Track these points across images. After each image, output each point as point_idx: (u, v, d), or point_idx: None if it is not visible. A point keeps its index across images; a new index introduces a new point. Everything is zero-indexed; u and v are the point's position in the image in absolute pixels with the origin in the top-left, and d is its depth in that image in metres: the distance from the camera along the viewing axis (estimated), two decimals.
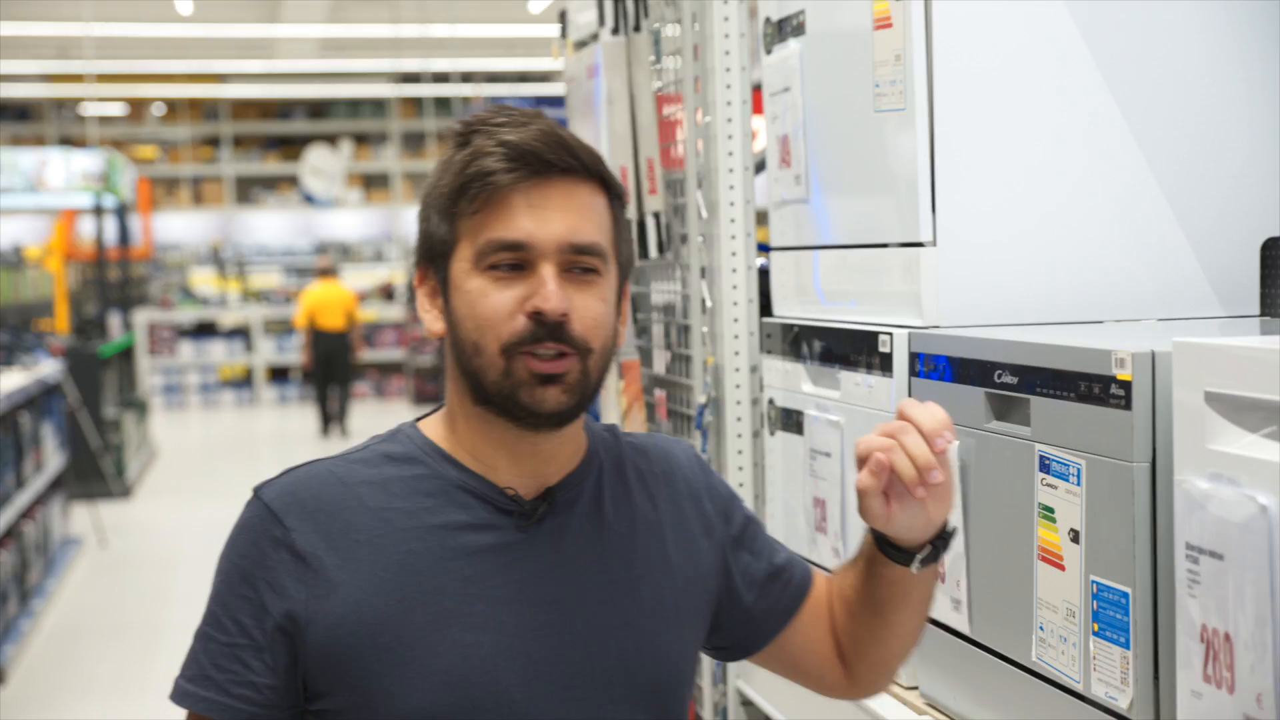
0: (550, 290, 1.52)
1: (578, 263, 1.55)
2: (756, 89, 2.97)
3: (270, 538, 1.57)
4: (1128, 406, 1.67)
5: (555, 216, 1.54)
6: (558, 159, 1.54)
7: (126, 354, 12.69)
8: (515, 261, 1.53)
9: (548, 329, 1.52)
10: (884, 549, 1.65)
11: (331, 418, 14.62)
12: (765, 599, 1.77)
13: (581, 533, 1.63)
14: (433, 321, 1.62)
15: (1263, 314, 2.29)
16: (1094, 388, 1.73)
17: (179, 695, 1.58)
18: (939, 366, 2.11)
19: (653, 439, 1.79)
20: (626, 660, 1.60)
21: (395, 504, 1.59)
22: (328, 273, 15.07)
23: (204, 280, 19.37)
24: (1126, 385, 1.67)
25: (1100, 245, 2.25)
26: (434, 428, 1.65)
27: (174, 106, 20.53)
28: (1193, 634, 1.54)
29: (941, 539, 1.65)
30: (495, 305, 1.53)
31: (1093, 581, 1.75)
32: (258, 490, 1.61)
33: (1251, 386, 1.46)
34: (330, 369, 14.48)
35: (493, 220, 1.53)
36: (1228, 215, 2.28)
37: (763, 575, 1.77)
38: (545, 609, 1.58)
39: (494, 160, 1.53)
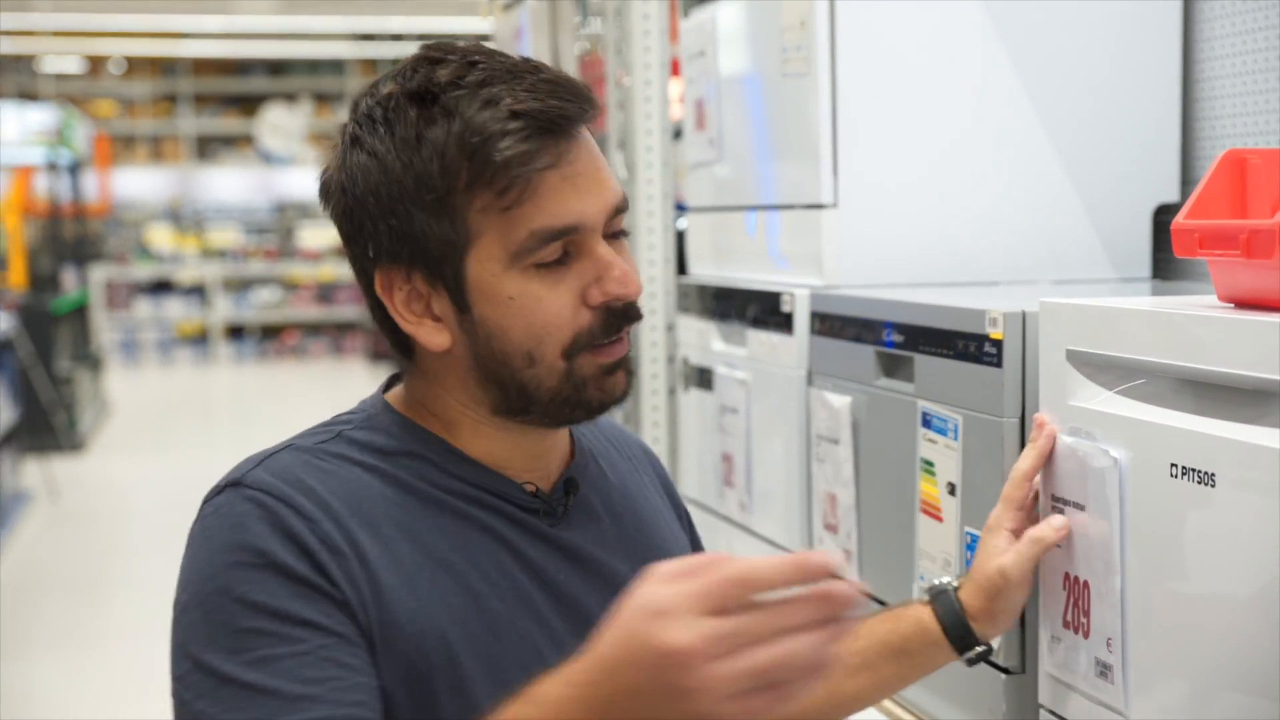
0: (621, 270, 1.30)
1: (614, 226, 1.32)
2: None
3: (280, 528, 1.24)
4: (999, 364, 1.73)
5: (590, 182, 1.29)
6: (579, 111, 1.28)
7: (81, 310, 12.63)
8: (564, 250, 1.28)
9: (621, 316, 1.31)
10: (952, 628, 1.57)
11: None
12: None
13: (596, 522, 1.43)
14: (431, 334, 1.33)
15: (1154, 277, 2.36)
16: (970, 346, 1.79)
17: None
18: (835, 326, 2.17)
19: (613, 424, 1.60)
20: None
21: (413, 498, 1.32)
22: None
23: (161, 237, 19.25)
24: (998, 344, 1.73)
25: (997, 208, 2.31)
26: (429, 426, 1.37)
27: (133, 63, 20.35)
28: (1057, 581, 1.60)
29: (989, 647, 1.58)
30: (555, 308, 1.28)
31: (966, 532, 1.81)
32: (234, 483, 1.29)
33: (1107, 345, 1.51)
34: None
35: (531, 209, 1.26)
36: (1123, 181, 2.34)
37: None
38: (580, 608, 1.35)
39: (516, 140, 1.24)
